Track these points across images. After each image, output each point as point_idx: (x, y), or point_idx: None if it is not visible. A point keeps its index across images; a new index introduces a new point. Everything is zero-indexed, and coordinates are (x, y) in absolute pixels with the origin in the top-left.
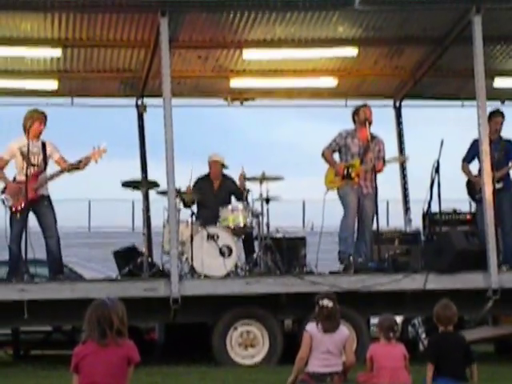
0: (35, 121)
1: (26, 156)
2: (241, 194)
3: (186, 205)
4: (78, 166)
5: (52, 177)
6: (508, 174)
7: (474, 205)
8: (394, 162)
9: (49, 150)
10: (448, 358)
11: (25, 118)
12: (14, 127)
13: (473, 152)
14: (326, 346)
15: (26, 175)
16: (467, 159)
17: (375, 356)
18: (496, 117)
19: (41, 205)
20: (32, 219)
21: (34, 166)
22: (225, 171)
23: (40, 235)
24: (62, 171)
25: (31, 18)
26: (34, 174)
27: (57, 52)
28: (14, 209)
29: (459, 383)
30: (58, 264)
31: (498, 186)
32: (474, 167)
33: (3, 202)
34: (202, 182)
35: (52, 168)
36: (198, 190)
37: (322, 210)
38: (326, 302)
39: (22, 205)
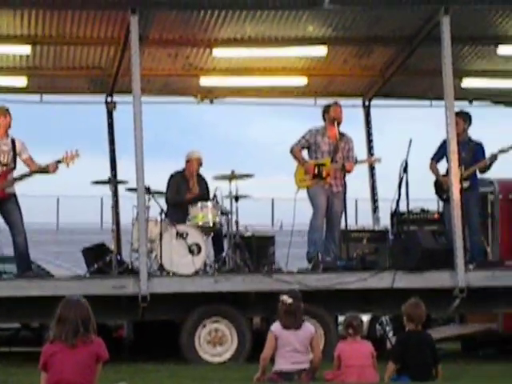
0: (1, 117)
1: None
2: (208, 198)
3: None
4: (47, 170)
5: (20, 178)
6: (475, 174)
7: (441, 204)
8: (367, 163)
9: (18, 148)
10: (415, 356)
11: None
12: None
13: (442, 151)
14: (291, 344)
15: None
16: (436, 158)
17: (343, 354)
18: (460, 118)
19: (7, 202)
20: None
21: (2, 164)
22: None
23: (7, 232)
24: (30, 173)
25: (0, 15)
26: (3, 173)
27: (26, 49)
28: None
29: (425, 381)
30: (26, 261)
31: (465, 185)
32: (442, 167)
33: None
34: (178, 179)
35: (20, 166)
36: (174, 186)
37: (291, 209)
38: (285, 298)
39: None
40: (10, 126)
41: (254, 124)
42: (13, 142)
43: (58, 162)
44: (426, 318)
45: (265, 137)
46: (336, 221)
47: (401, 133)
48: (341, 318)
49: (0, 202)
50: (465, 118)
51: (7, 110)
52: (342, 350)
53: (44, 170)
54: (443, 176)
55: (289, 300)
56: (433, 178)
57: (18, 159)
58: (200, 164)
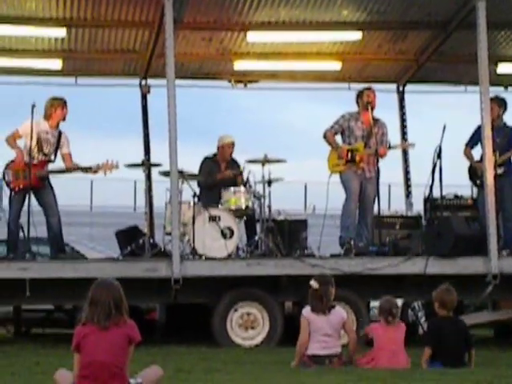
0: (57, 108)
1: (40, 142)
2: (241, 182)
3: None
4: (86, 170)
5: (56, 172)
6: (510, 160)
7: (475, 190)
8: (400, 148)
9: (62, 141)
10: (448, 342)
11: (46, 106)
12: (17, 105)
13: (477, 137)
14: (322, 328)
15: (33, 159)
16: (470, 144)
17: (376, 336)
18: (494, 103)
19: (41, 185)
20: (32, 198)
21: (43, 153)
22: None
23: (41, 214)
24: (68, 170)
25: None
26: (42, 162)
27: (61, 32)
28: (12, 187)
29: (457, 368)
30: (60, 243)
31: (500, 171)
32: (477, 153)
33: (3, 176)
34: (210, 163)
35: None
36: (207, 170)
37: (324, 193)
38: (313, 283)
39: (21, 186)
40: (64, 119)
41: (288, 108)
42: (59, 134)
43: (98, 167)
44: (459, 304)
45: (298, 121)
46: (369, 206)
47: (435, 118)
48: (373, 303)
49: (34, 188)
50: (500, 103)
51: (65, 102)
52: (375, 331)
53: (83, 170)
54: (477, 162)
55: (315, 285)
56: (467, 163)
57: (58, 151)
58: (232, 149)
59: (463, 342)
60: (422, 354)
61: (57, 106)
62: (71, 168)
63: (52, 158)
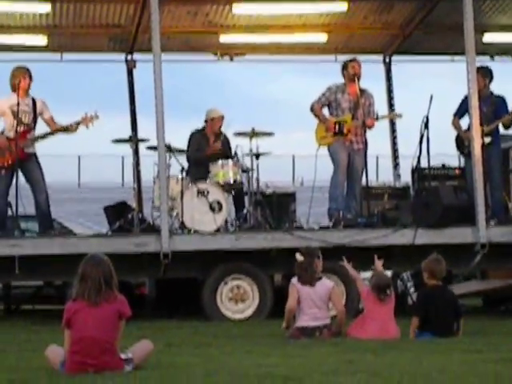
0: (21, 77)
1: (15, 114)
2: (230, 155)
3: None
4: (68, 129)
5: (40, 137)
6: (497, 129)
7: (463, 160)
8: (388, 118)
9: (39, 108)
10: (437, 312)
11: (11, 77)
12: (2, 83)
13: (464, 107)
14: (310, 299)
15: (16, 132)
16: (458, 114)
17: (367, 305)
18: (480, 73)
19: (28, 162)
20: (20, 175)
21: (23, 124)
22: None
23: (29, 191)
24: (51, 133)
25: None
26: (24, 133)
27: (46, 7)
28: (0, 165)
29: (446, 337)
30: (48, 219)
31: (487, 140)
32: (464, 123)
33: None
34: (199, 137)
35: (40, 126)
36: (196, 145)
37: (312, 166)
38: (297, 256)
39: (9, 162)
40: (29, 87)
41: (275, 81)
42: (33, 101)
43: (78, 123)
44: (448, 273)
45: (285, 94)
46: (357, 177)
47: (422, 89)
48: (362, 275)
49: (21, 162)
50: (485, 73)
51: (27, 70)
52: (367, 298)
53: (65, 130)
54: (465, 132)
55: (300, 257)
56: (454, 133)
57: (38, 119)
58: (221, 122)
59: (452, 312)
60: (410, 324)
61: (17, 75)
62: (56, 129)
63: (32, 126)
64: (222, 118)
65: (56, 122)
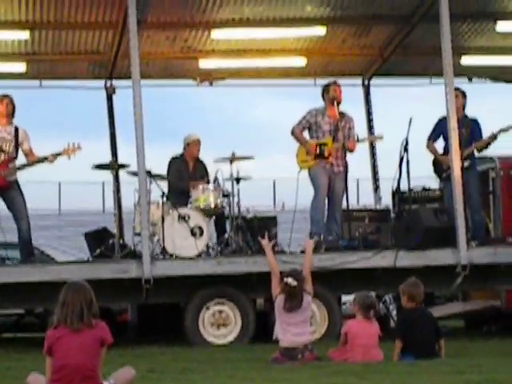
0: (1, 106)
1: None
2: (208, 181)
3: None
4: (46, 160)
5: (21, 167)
6: (473, 152)
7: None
8: (369, 140)
9: (21, 137)
10: (418, 334)
11: None
12: None
13: (438, 130)
14: (294, 322)
15: None
16: (432, 137)
17: (350, 333)
18: (458, 94)
19: (10, 190)
20: (1, 204)
21: (3, 152)
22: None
23: (10, 219)
24: (30, 164)
25: None
26: (4, 161)
27: (24, 34)
28: None
29: (428, 358)
30: (29, 247)
31: (466, 164)
32: (438, 146)
33: None
34: (178, 163)
35: (22, 155)
36: (174, 170)
37: (293, 189)
38: (291, 281)
39: None
40: (12, 115)
41: (254, 105)
42: (16, 130)
43: (58, 154)
44: (429, 295)
45: (265, 118)
46: (338, 200)
47: (402, 112)
48: (344, 298)
49: (2, 190)
50: (463, 94)
51: (8, 96)
52: (350, 329)
53: (42, 161)
54: (442, 155)
55: (293, 283)
56: (431, 156)
57: (19, 148)
58: (198, 146)
59: (433, 333)
60: (393, 347)
61: None
62: (34, 161)
63: (14, 154)
64: (199, 142)
65: (34, 153)
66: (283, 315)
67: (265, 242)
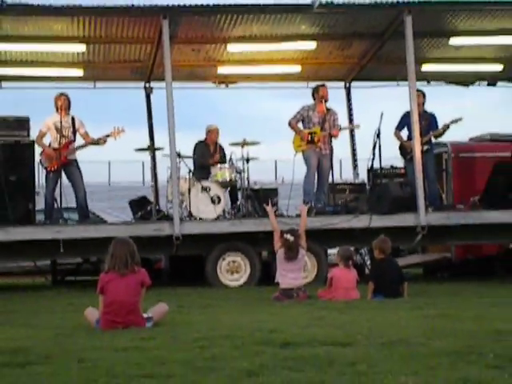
0: (61, 100)
1: (59, 129)
2: (225, 160)
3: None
4: (98, 142)
5: (79, 147)
6: (431, 139)
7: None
8: (349, 129)
9: (77, 124)
10: (385, 278)
11: (54, 100)
12: (50, 106)
13: (403, 122)
14: (290, 269)
15: (59, 144)
16: (399, 127)
17: (334, 278)
18: (419, 94)
19: (70, 166)
20: (64, 177)
21: (65, 137)
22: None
23: (71, 189)
24: (86, 144)
25: (61, 21)
26: (66, 144)
27: (82, 47)
28: (48, 169)
29: (394, 298)
30: (85, 211)
31: (425, 148)
32: (403, 134)
33: (40, 162)
34: (202, 146)
35: (80, 139)
36: (200, 151)
37: (290, 168)
38: (289, 237)
39: (55, 167)
40: (69, 108)
41: (260, 103)
42: (73, 119)
43: (107, 136)
44: (395, 249)
45: (268, 112)
46: (325, 176)
47: (374, 107)
48: (330, 251)
49: (64, 167)
50: (422, 95)
51: (66, 95)
52: (334, 274)
53: (96, 143)
54: (406, 141)
55: (291, 238)
56: (398, 142)
57: (77, 133)
58: (217, 134)
59: (398, 278)
60: (368, 289)
61: (57, 99)
62: (89, 142)
63: (72, 138)
64: (217, 130)
65: (89, 136)
66: (283, 264)
67: (269, 208)
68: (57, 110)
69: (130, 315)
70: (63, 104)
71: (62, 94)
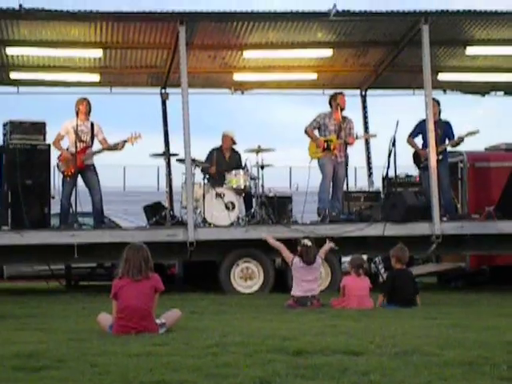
0: (81, 105)
1: (76, 133)
2: (241, 166)
3: (206, 172)
4: (115, 148)
5: (96, 153)
6: (445, 149)
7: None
8: (364, 138)
9: (96, 130)
10: (401, 288)
11: (75, 105)
12: (66, 110)
13: (418, 130)
14: (306, 276)
15: (76, 148)
16: (413, 135)
17: (347, 286)
18: (435, 103)
19: (87, 171)
20: (80, 181)
21: (83, 141)
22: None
23: (86, 194)
24: (103, 149)
25: (79, 26)
26: (83, 148)
27: (98, 52)
28: (65, 173)
29: (409, 307)
30: (101, 215)
31: (440, 157)
32: (417, 142)
33: (57, 166)
34: (216, 152)
35: (97, 144)
36: (213, 158)
37: (305, 175)
38: (306, 242)
39: (72, 171)
40: (89, 113)
41: (276, 110)
42: (92, 124)
43: (125, 141)
44: (410, 258)
45: (284, 119)
46: (340, 184)
47: (390, 115)
48: (344, 259)
49: (81, 171)
50: (438, 103)
51: (87, 99)
52: (346, 283)
53: (114, 148)
54: (421, 149)
55: (309, 243)
56: (411, 150)
57: (95, 139)
58: (233, 140)
59: (412, 288)
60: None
61: (79, 103)
62: (107, 148)
63: (90, 143)
64: (230, 137)
65: (108, 142)
66: (299, 273)
67: (263, 235)
68: (77, 114)
69: (143, 321)
70: (84, 109)
71: (84, 99)
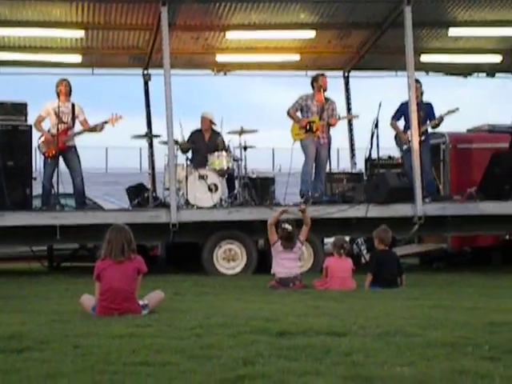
0: (62, 86)
1: (58, 115)
2: (223, 148)
3: (183, 152)
4: (95, 129)
5: (77, 134)
6: (427, 130)
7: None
8: (347, 118)
9: (76, 111)
10: (384, 269)
11: (55, 86)
12: (48, 91)
13: (400, 112)
14: (288, 258)
15: (57, 130)
16: (395, 117)
17: (329, 267)
18: (417, 84)
19: (69, 152)
20: (62, 163)
21: (64, 123)
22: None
23: (68, 175)
24: (84, 131)
25: (60, 6)
26: (64, 130)
27: (80, 33)
28: (46, 155)
29: (392, 288)
30: (83, 197)
31: (422, 138)
32: (399, 124)
33: (39, 148)
34: (196, 134)
35: (78, 126)
36: (193, 140)
37: (288, 156)
38: (287, 226)
39: (54, 152)
40: (70, 94)
41: (258, 91)
42: (73, 105)
43: (105, 122)
44: (392, 239)
45: (267, 101)
46: (322, 165)
47: (373, 97)
48: (326, 240)
49: (62, 153)
50: (420, 84)
51: (67, 80)
52: (329, 264)
53: (94, 129)
54: (401, 132)
55: (289, 227)
56: (393, 132)
57: (76, 120)
58: (212, 122)
59: (396, 269)
60: (365, 279)
61: (59, 84)
62: (87, 129)
63: (71, 125)
64: (209, 119)
65: (88, 123)
66: (280, 254)
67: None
68: (57, 95)
69: (126, 302)
70: (64, 89)
71: (63, 80)
